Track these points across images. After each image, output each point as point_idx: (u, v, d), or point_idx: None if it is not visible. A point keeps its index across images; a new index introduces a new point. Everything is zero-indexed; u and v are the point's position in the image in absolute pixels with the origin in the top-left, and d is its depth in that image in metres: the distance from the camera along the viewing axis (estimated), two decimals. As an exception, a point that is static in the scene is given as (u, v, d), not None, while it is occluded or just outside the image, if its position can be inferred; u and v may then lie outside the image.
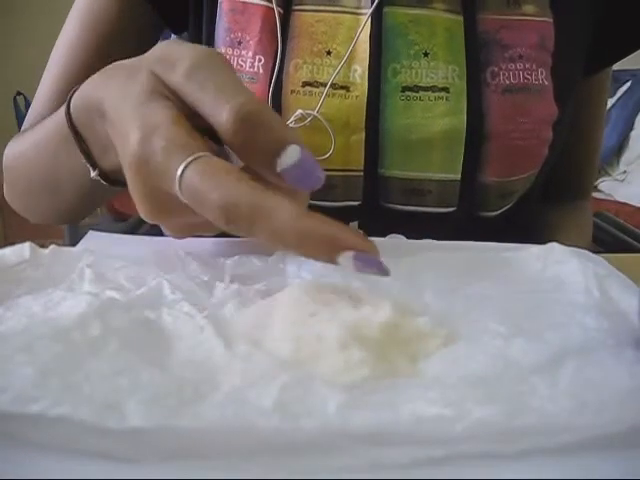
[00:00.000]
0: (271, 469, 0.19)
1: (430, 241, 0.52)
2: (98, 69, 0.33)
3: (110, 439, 0.20)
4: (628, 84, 2.28)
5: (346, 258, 0.26)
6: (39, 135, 0.47)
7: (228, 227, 0.26)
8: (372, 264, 0.27)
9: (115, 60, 0.35)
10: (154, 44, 0.59)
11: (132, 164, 0.29)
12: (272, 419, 0.20)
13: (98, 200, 0.51)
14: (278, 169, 0.28)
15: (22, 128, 0.57)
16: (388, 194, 0.52)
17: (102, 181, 0.40)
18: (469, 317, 0.29)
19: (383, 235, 0.53)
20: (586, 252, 0.36)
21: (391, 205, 0.52)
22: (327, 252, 0.26)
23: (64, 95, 0.39)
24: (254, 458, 0.20)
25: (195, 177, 0.26)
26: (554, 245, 0.37)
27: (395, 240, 0.52)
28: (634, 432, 0.20)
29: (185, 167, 0.26)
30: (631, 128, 2.26)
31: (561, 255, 0.35)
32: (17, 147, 0.52)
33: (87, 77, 0.33)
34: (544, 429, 0.20)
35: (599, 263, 0.35)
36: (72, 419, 0.20)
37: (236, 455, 0.20)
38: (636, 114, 2.26)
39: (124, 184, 0.32)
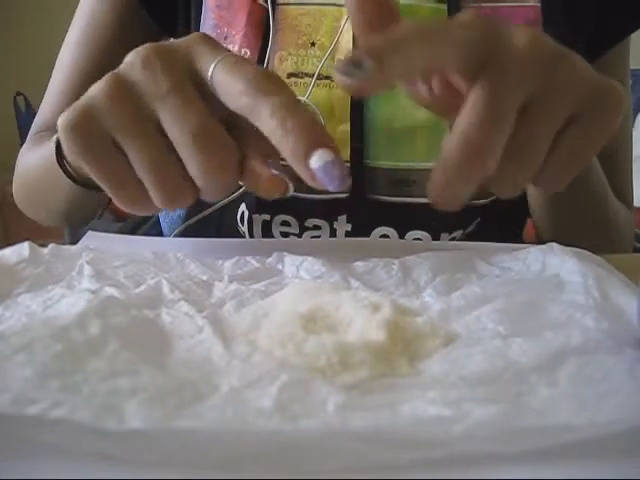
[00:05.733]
0: (271, 469, 0.19)
1: (430, 242, 0.52)
2: (99, 77, 0.34)
3: (109, 440, 0.20)
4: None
5: (320, 158, 0.29)
6: (40, 154, 0.52)
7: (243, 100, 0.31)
8: (338, 173, 0.29)
9: (116, 64, 0.36)
10: None
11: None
12: (272, 419, 0.20)
13: (94, 205, 0.54)
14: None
15: (32, 129, 0.61)
16: (375, 185, 0.52)
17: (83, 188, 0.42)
18: (469, 317, 0.29)
19: (371, 226, 0.53)
20: (586, 252, 0.36)
21: (378, 196, 0.52)
22: (304, 148, 0.29)
23: (70, 99, 0.41)
24: (254, 458, 0.20)
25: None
26: (554, 245, 0.37)
27: (395, 240, 0.52)
28: (634, 432, 0.20)
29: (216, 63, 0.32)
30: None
31: (561, 255, 0.35)
32: (26, 159, 0.57)
33: (89, 85, 0.34)
34: (544, 429, 0.20)
35: (599, 263, 0.34)
36: (71, 421, 0.20)
37: (236, 456, 0.20)
38: (636, 114, 2.26)
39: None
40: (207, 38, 0.34)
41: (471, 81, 0.30)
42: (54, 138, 0.41)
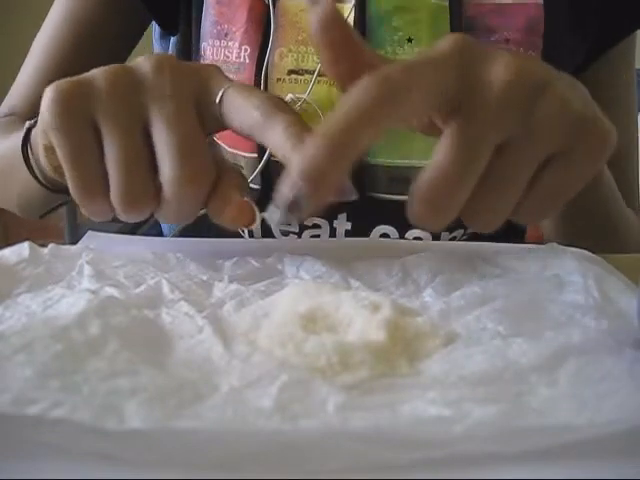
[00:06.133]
0: (271, 469, 0.19)
1: (429, 242, 0.52)
2: (73, 66, 0.34)
3: (109, 440, 0.20)
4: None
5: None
6: (5, 144, 0.51)
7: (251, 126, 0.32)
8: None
9: (92, 58, 0.36)
10: (133, 46, 0.61)
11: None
12: (272, 419, 0.20)
13: (49, 200, 0.53)
14: None
15: None
16: (374, 183, 0.52)
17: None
18: (468, 317, 0.29)
19: (371, 225, 0.53)
20: (586, 252, 0.36)
21: (378, 194, 0.52)
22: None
23: (40, 88, 0.40)
24: (254, 458, 0.20)
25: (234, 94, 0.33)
26: (553, 245, 0.37)
27: (395, 240, 0.52)
28: (634, 432, 0.20)
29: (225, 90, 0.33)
30: (631, 128, 2.25)
31: (560, 255, 0.35)
32: None
33: (63, 73, 0.34)
34: (544, 429, 0.20)
35: (599, 263, 0.34)
36: (71, 421, 0.20)
37: (236, 455, 0.20)
38: (637, 114, 2.25)
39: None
40: (221, 70, 0.36)
41: (445, 121, 0.30)
42: (26, 124, 0.40)
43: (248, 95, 0.33)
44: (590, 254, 0.36)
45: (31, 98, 0.58)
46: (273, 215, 0.28)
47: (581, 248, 0.37)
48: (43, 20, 0.60)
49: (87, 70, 0.34)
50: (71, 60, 0.57)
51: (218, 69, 0.35)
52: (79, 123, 0.32)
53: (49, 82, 0.33)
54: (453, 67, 0.29)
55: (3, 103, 0.60)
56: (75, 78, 0.33)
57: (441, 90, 0.29)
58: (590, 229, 0.53)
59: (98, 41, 0.57)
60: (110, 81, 0.32)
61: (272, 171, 0.51)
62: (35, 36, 0.61)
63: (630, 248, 0.55)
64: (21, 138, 0.41)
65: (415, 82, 0.28)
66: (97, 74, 0.33)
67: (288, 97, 0.50)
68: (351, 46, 0.31)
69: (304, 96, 0.49)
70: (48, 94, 0.33)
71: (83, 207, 0.35)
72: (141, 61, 0.34)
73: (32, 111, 0.50)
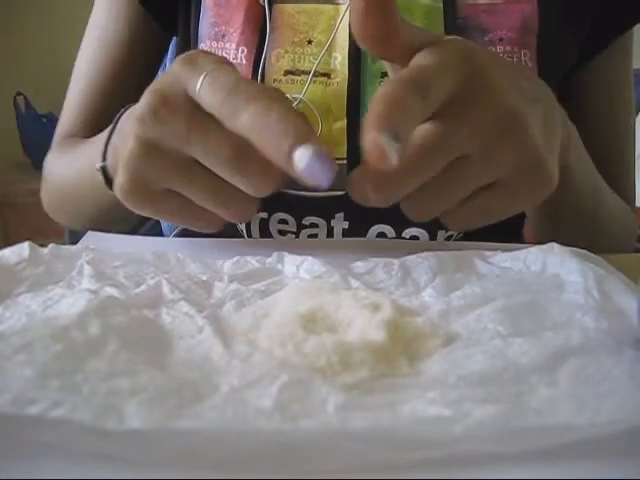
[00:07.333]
0: (271, 470, 0.19)
1: (429, 241, 0.52)
2: (114, 86, 0.36)
3: (109, 440, 0.20)
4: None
5: (304, 153, 0.29)
6: (71, 165, 0.55)
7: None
8: (324, 166, 0.30)
9: (128, 77, 0.38)
10: (162, 60, 0.64)
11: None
12: (272, 419, 0.20)
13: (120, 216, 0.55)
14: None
15: (55, 138, 0.63)
16: None
17: None
18: (468, 317, 0.29)
19: (368, 224, 0.53)
20: (586, 252, 0.36)
21: None
22: (281, 145, 0.30)
23: (87, 110, 0.47)
24: (254, 459, 0.20)
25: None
26: (554, 245, 0.37)
27: (395, 240, 0.52)
28: (634, 432, 0.20)
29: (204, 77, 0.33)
30: (631, 128, 2.25)
31: (560, 255, 0.35)
32: (56, 168, 0.59)
33: (105, 94, 0.36)
34: (543, 429, 0.20)
35: (599, 263, 0.34)
36: (71, 421, 0.20)
37: (236, 456, 0.20)
38: (636, 114, 2.25)
39: None
40: (186, 59, 0.35)
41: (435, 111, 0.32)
42: (97, 166, 0.44)
43: (217, 88, 0.33)
44: (590, 254, 0.36)
45: (84, 121, 0.61)
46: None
47: (578, 247, 0.37)
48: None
49: (126, 88, 0.36)
50: (111, 81, 0.59)
51: (183, 61, 0.35)
52: (155, 199, 0.36)
53: (96, 103, 0.35)
54: (457, 75, 0.32)
55: (57, 131, 0.63)
56: (122, 168, 0.35)
57: (447, 91, 0.32)
58: (571, 232, 0.53)
59: (131, 61, 0.60)
60: (144, 160, 0.35)
61: None
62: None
63: (618, 247, 0.56)
64: (95, 171, 0.44)
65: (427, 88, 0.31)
66: (131, 158, 0.35)
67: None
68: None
69: (300, 96, 0.50)
70: (117, 192, 0.36)
71: (213, 230, 0.38)
72: (140, 118, 0.34)
73: (90, 132, 0.54)
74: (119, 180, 0.36)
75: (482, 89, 0.33)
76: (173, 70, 0.35)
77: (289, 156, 0.30)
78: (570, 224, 0.51)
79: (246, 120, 0.31)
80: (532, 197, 0.36)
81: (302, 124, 0.31)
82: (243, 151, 0.33)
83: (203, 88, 0.33)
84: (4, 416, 0.20)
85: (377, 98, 0.29)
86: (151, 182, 0.35)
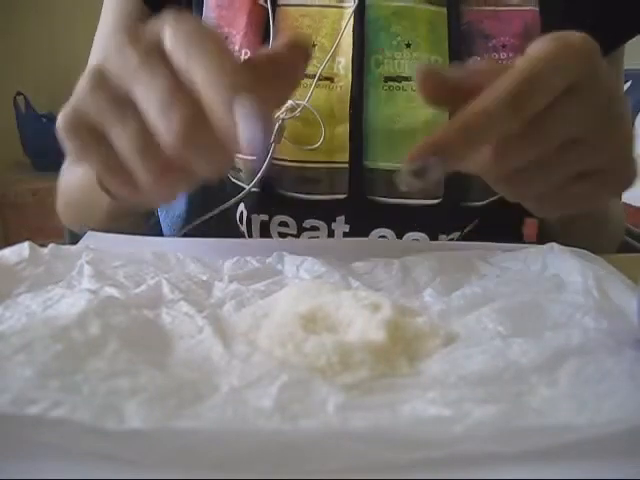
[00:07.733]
0: (271, 470, 0.19)
1: (429, 242, 0.52)
2: None
3: (109, 440, 0.20)
4: (628, 84, 2.27)
5: (242, 106, 0.27)
6: (77, 174, 0.53)
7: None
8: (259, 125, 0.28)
9: None
10: None
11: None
12: (272, 419, 0.20)
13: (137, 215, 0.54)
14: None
15: None
16: (373, 186, 0.52)
17: None
18: (469, 317, 0.29)
19: (369, 228, 0.53)
20: (586, 252, 0.36)
21: (376, 197, 0.52)
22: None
23: None
24: (254, 459, 0.20)
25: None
26: (553, 245, 0.37)
27: (395, 240, 0.52)
28: (634, 432, 0.20)
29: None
30: (631, 128, 2.25)
31: (560, 255, 0.35)
32: (66, 177, 0.58)
33: None
34: (543, 429, 0.20)
35: (599, 263, 0.34)
36: (71, 421, 0.20)
37: (236, 456, 0.20)
38: (636, 114, 2.25)
39: None
40: (178, 13, 0.33)
41: None
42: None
43: (172, 34, 0.31)
44: (590, 254, 0.36)
45: None
46: (401, 178, 0.29)
47: (578, 247, 0.37)
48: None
49: None
50: None
51: (174, 12, 0.34)
52: (90, 139, 0.33)
53: None
54: (578, 67, 0.32)
55: None
56: (67, 104, 0.33)
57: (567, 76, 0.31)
58: (585, 233, 0.54)
59: None
60: (88, 88, 0.33)
61: (272, 174, 0.51)
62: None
63: (611, 239, 0.56)
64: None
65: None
66: (78, 89, 0.33)
67: (288, 103, 0.50)
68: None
69: (304, 102, 0.49)
70: (58, 130, 0.34)
71: (134, 201, 0.35)
72: (107, 51, 0.33)
73: None
74: (60, 114, 0.34)
75: (593, 75, 0.32)
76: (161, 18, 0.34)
77: (228, 103, 0.28)
78: (582, 225, 0.51)
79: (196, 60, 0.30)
80: (619, 188, 0.35)
81: (248, 78, 0.29)
82: (181, 95, 0.30)
83: (168, 34, 0.31)
84: (4, 416, 0.20)
85: (516, 76, 0.29)
86: (89, 114, 0.33)
